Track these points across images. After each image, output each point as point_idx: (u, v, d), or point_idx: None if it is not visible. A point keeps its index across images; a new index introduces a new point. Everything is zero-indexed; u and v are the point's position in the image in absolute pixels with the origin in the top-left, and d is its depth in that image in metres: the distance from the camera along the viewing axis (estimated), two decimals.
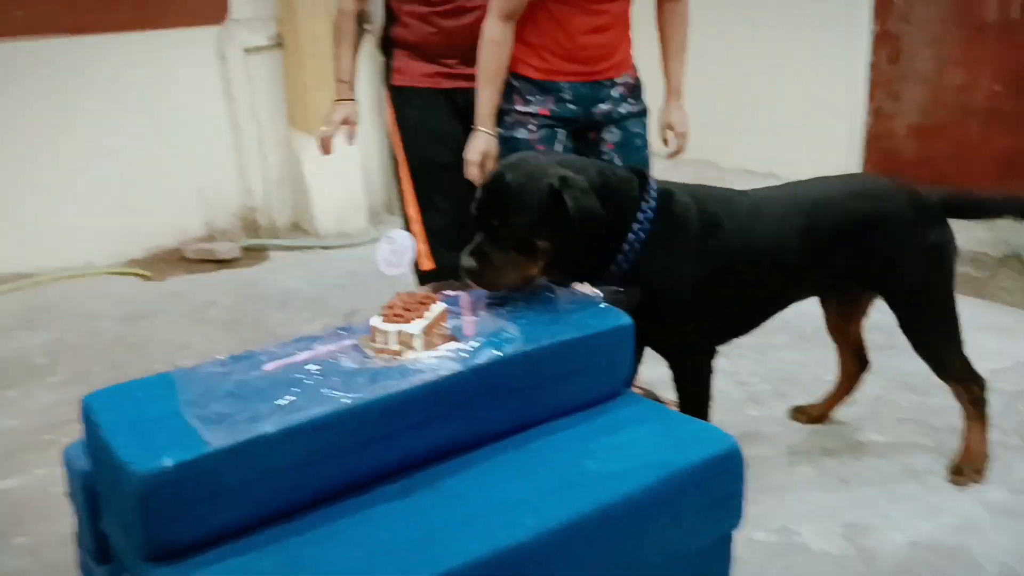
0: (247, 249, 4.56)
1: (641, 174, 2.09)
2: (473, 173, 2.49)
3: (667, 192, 2.08)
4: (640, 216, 2.02)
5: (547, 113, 2.53)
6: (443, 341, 1.78)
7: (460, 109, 2.67)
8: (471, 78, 2.55)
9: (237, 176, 4.67)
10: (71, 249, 4.29)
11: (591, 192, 1.90)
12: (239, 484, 1.47)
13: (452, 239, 2.45)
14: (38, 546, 2.19)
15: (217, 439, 1.46)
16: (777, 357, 3.12)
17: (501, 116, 2.53)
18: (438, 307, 1.79)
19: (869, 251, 2.19)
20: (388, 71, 2.76)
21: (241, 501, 1.48)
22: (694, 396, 2.19)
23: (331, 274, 4.15)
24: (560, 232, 1.88)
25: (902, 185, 2.27)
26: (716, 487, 1.73)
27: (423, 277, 2.68)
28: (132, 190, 4.41)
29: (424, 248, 2.69)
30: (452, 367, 1.65)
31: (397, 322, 1.72)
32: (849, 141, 4.39)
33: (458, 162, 2.52)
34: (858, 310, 2.48)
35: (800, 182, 2.32)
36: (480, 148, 2.48)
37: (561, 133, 2.54)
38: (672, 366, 2.17)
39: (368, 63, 4.84)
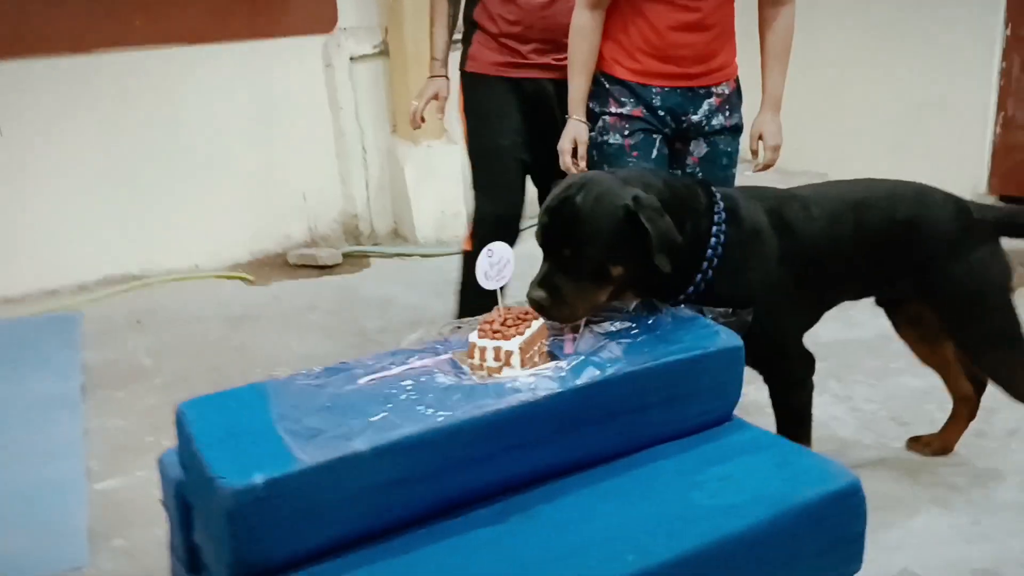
0: (348, 255, 4.59)
1: (703, 183, 1.98)
2: (566, 162, 2.43)
3: (731, 199, 1.97)
4: (714, 229, 1.91)
5: (641, 115, 2.42)
6: (542, 359, 1.70)
7: (528, 97, 2.74)
8: (544, 68, 2.67)
9: (340, 183, 4.70)
10: (179, 253, 4.39)
11: (664, 212, 1.78)
12: (330, 502, 1.42)
13: (495, 225, 2.70)
14: (134, 549, 2.21)
15: (309, 455, 1.41)
16: (896, 382, 2.93)
17: (593, 119, 2.45)
18: (538, 323, 1.71)
19: (910, 256, 2.11)
20: (464, 57, 2.83)
21: (331, 520, 1.43)
22: (797, 412, 2.07)
23: (430, 281, 4.13)
24: (636, 256, 1.76)
25: (951, 197, 2.18)
26: (835, 528, 1.60)
27: (463, 257, 2.89)
28: (239, 196, 4.49)
29: (468, 230, 2.86)
30: (550, 387, 1.57)
31: (495, 338, 1.64)
32: (975, 152, 4.14)
33: (515, 150, 2.71)
34: (931, 329, 2.32)
35: (839, 181, 2.24)
36: (572, 135, 2.42)
37: (658, 139, 2.44)
38: (772, 383, 2.06)
39: None
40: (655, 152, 2.43)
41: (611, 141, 2.42)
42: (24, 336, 3.65)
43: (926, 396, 2.80)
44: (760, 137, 2.46)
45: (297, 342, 3.56)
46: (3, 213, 4.05)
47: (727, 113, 2.46)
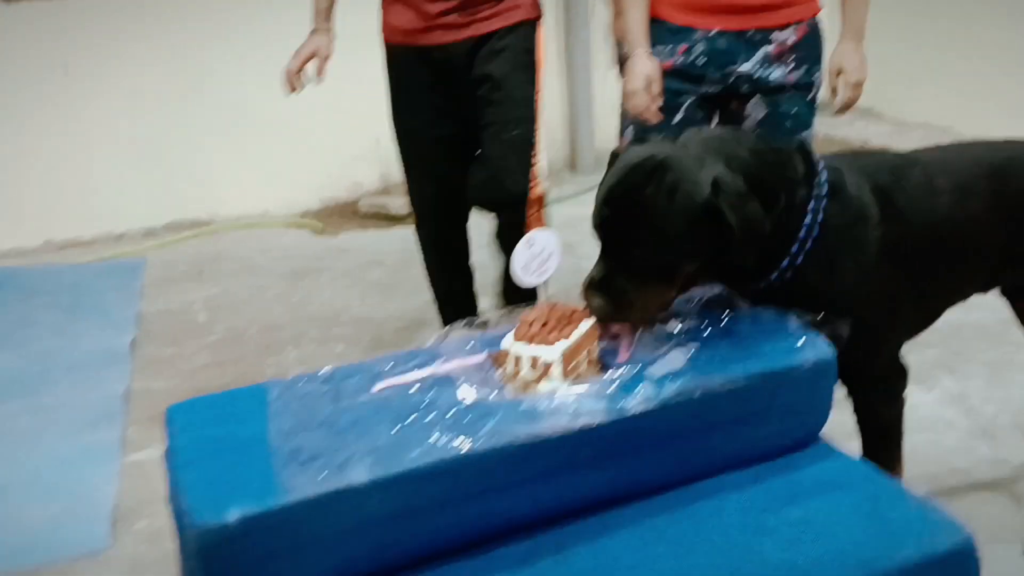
0: None
1: (803, 150, 1.62)
2: (640, 101, 2.06)
3: (836, 171, 1.60)
4: (811, 205, 1.56)
5: (670, 67, 2.08)
6: (591, 367, 1.44)
7: (438, 67, 2.40)
8: (454, 28, 2.34)
9: None
10: (249, 198, 4.26)
11: (750, 194, 1.46)
12: (320, 541, 1.21)
13: (431, 207, 2.57)
14: (157, 533, 2.06)
15: (298, 486, 1.20)
16: (1020, 379, 2.54)
17: (621, 65, 2.14)
18: (587, 324, 1.44)
19: None
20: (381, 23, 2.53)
21: (322, 561, 1.22)
22: (886, 435, 1.72)
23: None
24: (715, 248, 1.46)
25: None
26: None
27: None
28: (310, 140, 4.30)
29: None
30: (595, 409, 1.30)
31: (534, 344, 1.38)
32: None
33: (430, 128, 2.45)
34: None
35: (972, 143, 1.84)
36: (643, 72, 2.05)
37: (686, 103, 2.10)
38: (856, 393, 1.70)
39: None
40: (680, 115, 2.10)
41: None
42: (86, 283, 3.58)
43: None
44: (839, 72, 2.06)
45: (357, 302, 3.38)
46: (70, 154, 3.96)
47: (792, 65, 2.08)
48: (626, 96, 2.10)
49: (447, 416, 1.30)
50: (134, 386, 2.76)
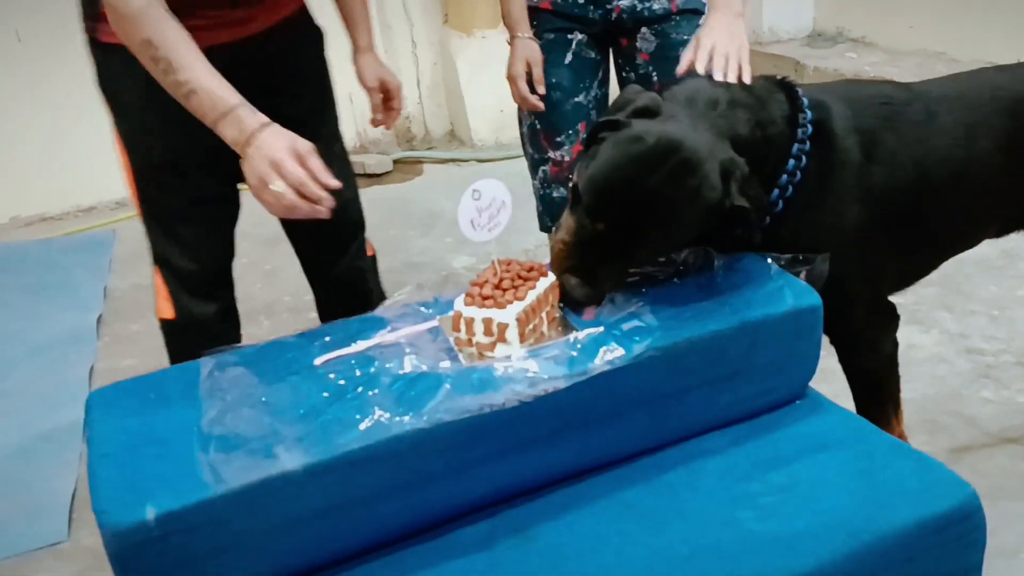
0: (399, 162, 4.22)
1: (787, 86, 1.46)
2: (520, 89, 1.96)
3: (823, 108, 1.45)
4: (795, 148, 1.41)
5: (549, 7, 1.96)
6: (553, 328, 1.31)
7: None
8: (234, 23, 1.55)
9: None
10: None
11: (754, 176, 1.32)
12: (252, 538, 1.09)
13: (204, 279, 1.68)
14: None
15: (224, 477, 1.08)
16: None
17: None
18: (545, 283, 1.31)
19: None
20: (90, 18, 1.62)
21: (256, 560, 1.11)
22: (875, 385, 1.59)
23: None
24: (714, 230, 1.35)
25: None
26: (939, 562, 1.19)
27: (163, 327, 1.73)
28: None
29: (160, 286, 1.70)
30: (556, 373, 1.18)
31: (486, 306, 1.26)
32: None
33: (207, 161, 1.54)
34: None
35: (991, 71, 1.63)
36: (522, 57, 1.96)
37: (576, 39, 1.97)
38: (838, 344, 1.56)
39: None
40: (569, 56, 1.98)
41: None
42: (52, 259, 3.45)
43: None
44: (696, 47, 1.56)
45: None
46: (33, 126, 3.81)
47: None
48: (509, 82, 1.98)
49: (391, 390, 1.18)
50: (99, 366, 2.66)
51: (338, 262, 1.84)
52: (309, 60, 1.74)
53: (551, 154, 2.06)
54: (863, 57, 4.09)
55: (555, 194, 2.10)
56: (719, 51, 1.48)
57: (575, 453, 1.26)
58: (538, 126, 2.05)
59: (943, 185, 1.49)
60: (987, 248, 2.54)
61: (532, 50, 1.97)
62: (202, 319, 1.68)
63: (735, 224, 1.32)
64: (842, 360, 1.56)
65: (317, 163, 1.34)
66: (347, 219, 1.80)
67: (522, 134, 2.13)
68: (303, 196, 1.32)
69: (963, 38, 3.77)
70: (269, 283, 3.15)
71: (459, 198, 1.31)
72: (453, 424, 1.14)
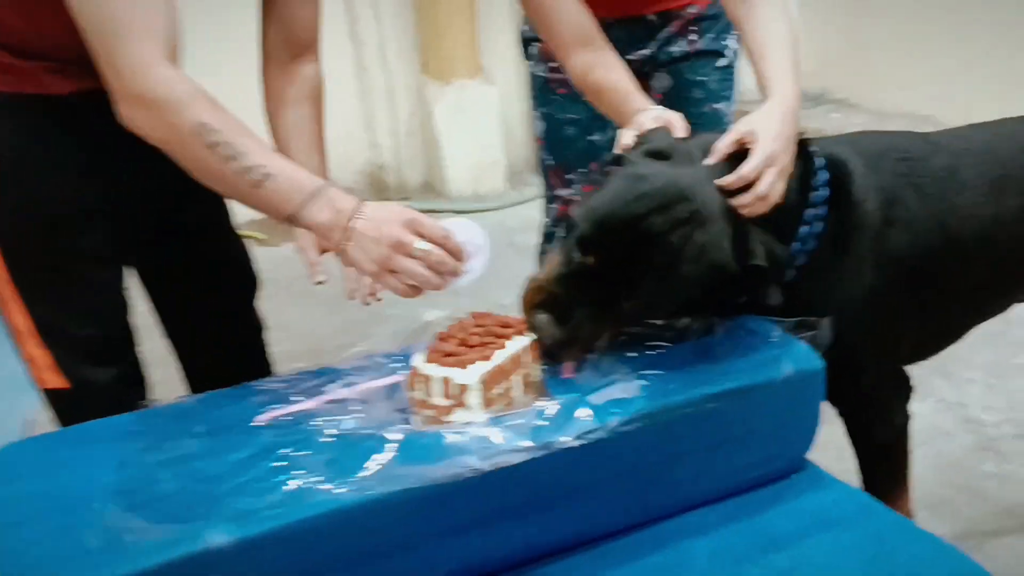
0: None
1: (800, 143, 1.31)
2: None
3: (840, 165, 1.32)
4: (809, 214, 1.29)
5: None
6: (529, 391, 1.16)
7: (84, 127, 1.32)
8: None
9: (364, 129, 4.19)
10: None
11: (771, 237, 1.21)
12: None
13: (104, 343, 1.43)
14: None
15: (137, 554, 0.92)
16: (1023, 384, 2.30)
17: (526, 44, 1.88)
18: (522, 342, 1.17)
19: None
20: None
21: None
22: (884, 458, 1.46)
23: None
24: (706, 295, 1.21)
25: None
26: None
27: (51, 398, 1.45)
28: None
29: (40, 355, 1.40)
30: (517, 447, 1.03)
31: (447, 363, 1.11)
32: None
33: (93, 222, 1.37)
34: None
35: (1007, 121, 1.51)
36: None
37: None
38: (848, 415, 1.44)
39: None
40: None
41: (537, 73, 1.87)
42: None
43: None
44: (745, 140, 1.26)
45: (299, 317, 3.09)
46: None
47: (694, 36, 1.78)
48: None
49: (333, 456, 1.03)
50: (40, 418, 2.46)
51: (232, 324, 1.65)
52: None
53: (561, 191, 1.94)
54: (848, 118, 4.06)
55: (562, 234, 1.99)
56: (773, 168, 1.20)
57: (543, 532, 1.11)
58: (551, 162, 1.94)
59: (968, 246, 1.37)
60: None
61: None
62: (102, 386, 1.43)
63: (746, 288, 1.20)
64: (852, 432, 1.43)
65: (435, 228, 1.17)
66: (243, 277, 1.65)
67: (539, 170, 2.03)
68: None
69: (950, 100, 3.74)
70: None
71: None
72: (387, 497, 0.98)
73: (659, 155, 1.24)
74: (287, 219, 1.16)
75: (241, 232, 1.88)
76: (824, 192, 1.29)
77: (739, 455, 1.21)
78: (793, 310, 1.25)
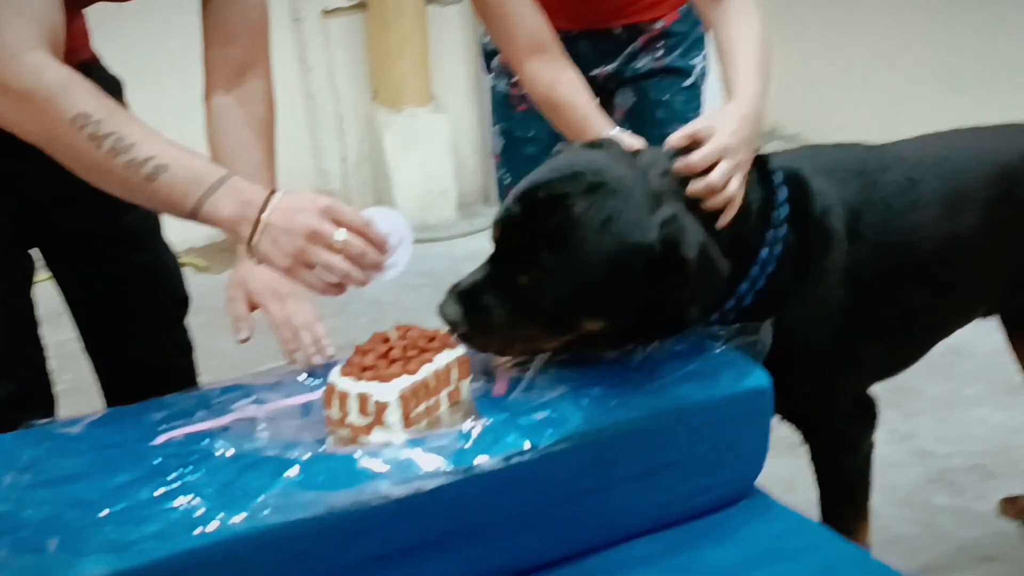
0: None
1: (759, 161, 1.27)
2: None
3: (798, 182, 1.26)
4: (769, 235, 1.22)
5: None
6: (457, 411, 1.07)
7: None
8: None
9: (311, 156, 4.10)
10: None
11: (712, 242, 1.12)
12: None
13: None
14: None
15: None
16: (973, 416, 2.26)
17: (488, 57, 1.82)
18: (450, 355, 1.08)
19: None
20: None
21: None
22: (849, 487, 1.39)
23: (406, 272, 3.51)
24: (638, 306, 1.11)
25: None
26: None
27: None
28: None
29: None
30: (435, 470, 0.94)
31: (365, 378, 1.02)
32: None
33: None
34: None
35: (975, 131, 1.47)
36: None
37: None
38: (815, 444, 1.38)
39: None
40: None
41: (498, 87, 1.80)
42: None
43: (1017, 436, 2.13)
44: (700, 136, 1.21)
45: (232, 345, 2.97)
46: None
47: (660, 52, 1.73)
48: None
49: (217, 479, 0.92)
50: None
51: (157, 340, 1.55)
52: None
53: None
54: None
55: None
56: (728, 161, 1.15)
57: (466, 564, 1.01)
58: (508, 180, 1.86)
59: (929, 262, 1.32)
60: None
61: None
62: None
63: (669, 290, 1.09)
64: (817, 461, 1.37)
65: (355, 216, 1.06)
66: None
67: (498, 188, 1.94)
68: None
69: (902, 135, 3.75)
70: None
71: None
72: (284, 526, 0.88)
73: (596, 146, 1.19)
74: (189, 215, 1.05)
75: (180, 260, 1.79)
76: (784, 211, 1.23)
77: (681, 480, 1.13)
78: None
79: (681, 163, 1.15)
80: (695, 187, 1.14)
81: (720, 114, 1.23)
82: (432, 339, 1.10)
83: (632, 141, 1.26)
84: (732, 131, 1.18)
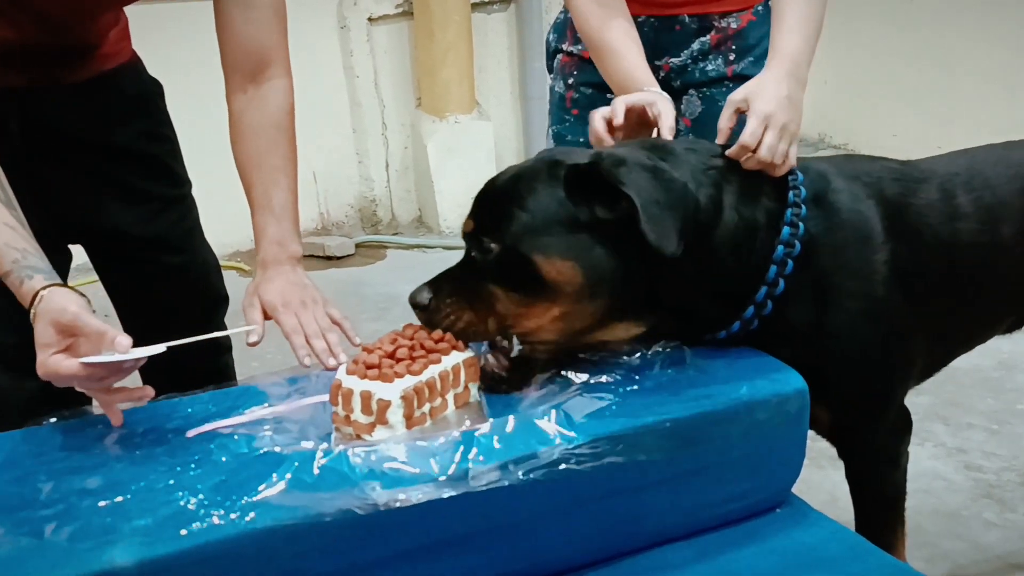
0: (362, 246, 4.02)
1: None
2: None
3: (820, 178, 1.22)
4: (786, 232, 1.16)
5: (588, 55, 1.63)
6: (463, 411, 1.06)
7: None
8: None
9: (356, 163, 4.13)
10: None
11: (665, 170, 1.09)
12: None
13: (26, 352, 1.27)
14: None
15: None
16: None
17: (551, 56, 1.76)
18: (456, 358, 1.07)
19: None
20: None
21: None
22: (889, 502, 1.34)
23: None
24: (599, 243, 1.07)
25: None
26: None
27: None
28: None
29: None
30: (428, 477, 0.92)
31: (369, 376, 1.01)
32: None
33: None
34: None
35: (993, 147, 1.42)
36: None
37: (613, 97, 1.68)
38: (855, 456, 1.33)
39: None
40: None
41: (556, 88, 1.74)
42: None
43: None
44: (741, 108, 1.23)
45: (274, 348, 2.99)
46: None
47: (732, 55, 1.63)
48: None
49: (228, 479, 0.92)
50: None
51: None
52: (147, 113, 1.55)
53: None
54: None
55: None
56: (772, 130, 1.15)
57: (484, 569, 0.99)
58: None
59: (968, 272, 1.28)
60: (982, 359, 2.35)
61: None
62: (22, 399, 1.30)
63: (622, 220, 1.04)
64: (858, 477, 1.33)
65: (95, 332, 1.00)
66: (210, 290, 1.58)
67: None
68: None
69: (947, 147, 3.68)
70: None
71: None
72: (266, 531, 0.87)
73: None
74: None
75: (224, 264, 1.79)
76: (803, 192, 1.18)
77: (714, 485, 1.11)
78: (794, 330, 1.17)
79: (736, 148, 1.16)
80: (749, 167, 1.16)
81: (756, 81, 1.23)
82: (440, 340, 1.09)
83: (657, 106, 1.27)
84: (769, 96, 1.18)
